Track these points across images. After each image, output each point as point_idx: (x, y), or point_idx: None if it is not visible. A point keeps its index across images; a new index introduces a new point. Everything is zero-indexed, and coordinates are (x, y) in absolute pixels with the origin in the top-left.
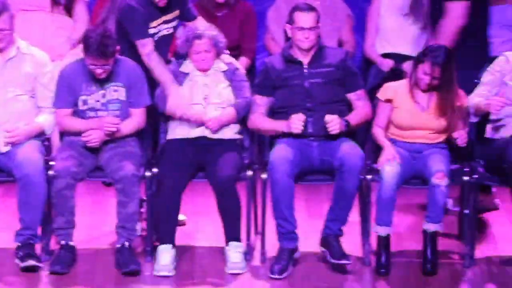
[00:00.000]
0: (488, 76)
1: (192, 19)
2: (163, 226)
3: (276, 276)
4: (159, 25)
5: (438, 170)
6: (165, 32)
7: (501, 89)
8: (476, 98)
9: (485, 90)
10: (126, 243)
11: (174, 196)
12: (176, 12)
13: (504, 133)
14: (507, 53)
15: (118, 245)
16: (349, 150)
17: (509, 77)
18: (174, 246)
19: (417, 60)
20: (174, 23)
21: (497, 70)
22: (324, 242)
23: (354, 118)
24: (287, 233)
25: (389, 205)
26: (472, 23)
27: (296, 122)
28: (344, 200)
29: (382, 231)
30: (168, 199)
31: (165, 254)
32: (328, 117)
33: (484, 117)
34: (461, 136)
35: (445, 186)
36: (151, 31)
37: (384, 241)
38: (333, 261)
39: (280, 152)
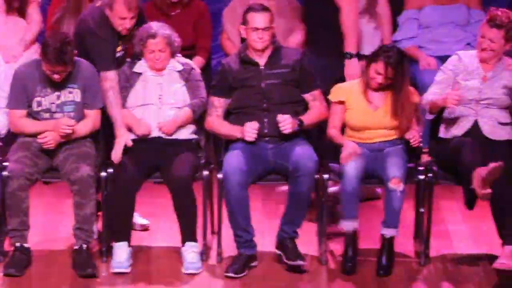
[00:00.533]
0: (441, 75)
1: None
2: (118, 224)
3: (231, 275)
4: (121, 50)
5: (394, 175)
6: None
7: (454, 88)
8: (431, 96)
9: (439, 88)
10: (84, 246)
11: (129, 194)
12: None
13: (457, 132)
14: (459, 52)
15: (76, 247)
16: (303, 153)
17: (461, 76)
18: (129, 244)
19: (370, 59)
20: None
21: (450, 69)
22: (280, 245)
23: (308, 117)
24: (245, 242)
25: (353, 199)
26: None
27: (250, 131)
28: (299, 203)
29: (349, 225)
30: (123, 198)
31: (121, 251)
32: (280, 117)
33: (438, 115)
34: (414, 137)
35: (401, 191)
36: (117, 54)
37: (351, 236)
38: (288, 262)
39: (233, 161)
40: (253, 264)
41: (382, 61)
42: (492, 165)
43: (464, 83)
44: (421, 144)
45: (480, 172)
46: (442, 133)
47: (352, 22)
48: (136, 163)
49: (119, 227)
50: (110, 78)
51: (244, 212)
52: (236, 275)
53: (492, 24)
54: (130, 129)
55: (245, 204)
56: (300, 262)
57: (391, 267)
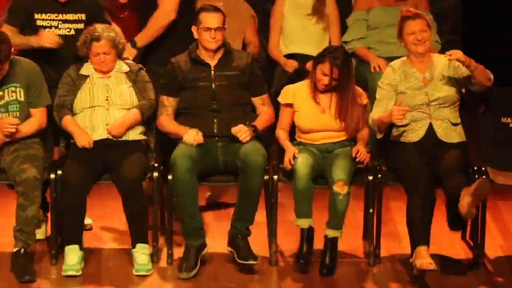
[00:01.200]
0: (380, 92)
1: None
2: (68, 227)
3: (184, 276)
4: (52, 20)
5: (339, 179)
6: (63, 32)
7: (398, 99)
8: (376, 115)
9: (381, 105)
10: (22, 249)
11: (79, 196)
12: (81, 15)
13: (413, 137)
14: (392, 63)
15: (15, 250)
16: (252, 149)
17: (402, 85)
18: (81, 247)
19: (316, 61)
20: (77, 25)
21: (387, 83)
22: (232, 242)
23: (260, 123)
24: (193, 230)
25: (306, 196)
26: None
27: (191, 134)
28: (249, 199)
29: (303, 223)
30: (73, 201)
31: (72, 254)
32: (235, 129)
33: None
34: (360, 153)
35: (345, 194)
36: (39, 23)
37: (306, 234)
38: (240, 261)
39: (182, 150)
40: (203, 252)
41: (328, 62)
42: (477, 182)
43: (408, 91)
44: (366, 160)
45: (467, 192)
46: (397, 136)
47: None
48: (85, 164)
49: (70, 230)
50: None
51: (191, 198)
52: (189, 275)
53: (413, 17)
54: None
55: (193, 191)
56: (252, 262)
57: (334, 267)
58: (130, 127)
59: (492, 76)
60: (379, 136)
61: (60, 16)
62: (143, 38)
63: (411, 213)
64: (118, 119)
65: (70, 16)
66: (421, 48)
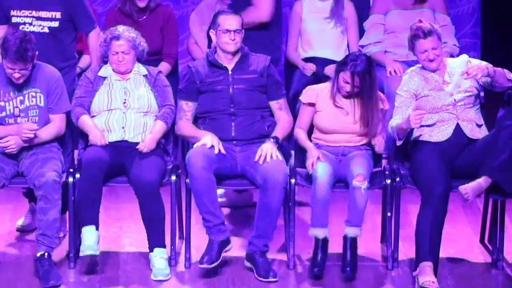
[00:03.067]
0: (399, 99)
1: (85, 31)
2: (85, 208)
3: (205, 266)
4: (26, 16)
5: (359, 173)
6: (36, 29)
7: (421, 103)
8: (395, 122)
9: (400, 113)
10: (46, 253)
11: (96, 178)
12: (56, 14)
13: (436, 138)
14: (408, 70)
15: (38, 254)
16: (273, 166)
17: (424, 88)
18: (97, 228)
19: (338, 68)
20: (51, 24)
21: (405, 90)
22: (250, 258)
23: (281, 132)
24: (215, 226)
25: (324, 206)
26: None
27: (210, 139)
28: (269, 217)
29: (319, 233)
30: (90, 182)
31: (90, 235)
32: (260, 152)
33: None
34: (379, 143)
35: (366, 189)
36: (14, 19)
37: (321, 243)
38: (259, 279)
39: (197, 149)
40: (227, 248)
41: (349, 70)
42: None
43: (431, 93)
44: (384, 152)
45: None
46: (421, 136)
47: None
48: (103, 152)
49: (87, 210)
50: None
51: (210, 194)
52: (209, 266)
53: (424, 35)
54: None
55: (211, 186)
56: (271, 279)
57: (356, 267)
58: (160, 139)
59: (511, 76)
60: (398, 143)
61: (34, 13)
62: None
63: (421, 224)
64: (148, 136)
65: (44, 14)
66: (433, 65)
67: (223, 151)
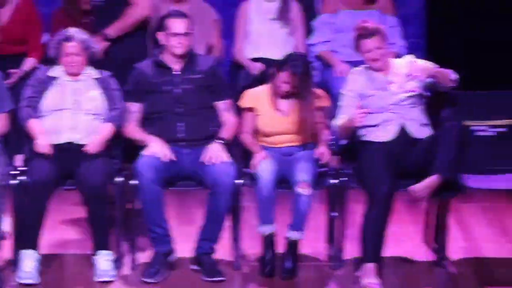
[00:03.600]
0: (344, 98)
1: None
2: (27, 230)
3: (148, 280)
4: None
5: (302, 180)
6: None
7: (367, 103)
8: (339, 121)
9: (345, 112)
10: None
11: (43, 196)
12: None
13: (381, 137)
14: (354, 70)
15: None
16: (221, 169)
17: (369, 88)
18: (38, 252)
19: (277, 68)
20: None
21: (350, 89)
22: (196, 260)
23: (227, 133)
24: (159, 237)
25: (270, 203)
26: None
27: (157, 147)
28: (216, 220)
29: (266, 229)
30: (36, 200)
31: (29, 261)
32: (204, 157)
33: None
34: (322, 155)
35: (308, 196)
36: None
37: (268, 240)
38: (206, 279)
39: (147, 158)
40: (171, 258)
41: (288, 70)
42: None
43: (376, 93)
44: (329, 161)
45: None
46: (366, 136)
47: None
48: (50, 166)
49: (28, 233)
50: None
51: (157, 206)
52: (152, 280)
53: (368, 35)
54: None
55: (158, 199)
56: (217, 278)
57: (296, 270)
58: (107, 142)
59: (455, 76)
60: (343, 142)
61: None
62: (115, 30)
63: (365, 225)
64: (95, 137)
65: None
66: (377, 65)
67: (173, 158)
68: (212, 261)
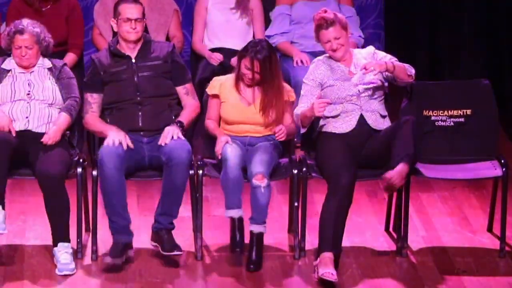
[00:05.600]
0: (305, 87)
1: None
2: None
3: (109, 261)
4: None
5: (258, 172)
6: None
7: (326, 93)
8: (300, 110)
9: (306, 101)
10: None
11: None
12: None
13: (341, 129)
14: (315, 60)
15: None
16: (176, 144)
17: (330, 78)
18: (3, 207)
19: (240, 55)
20: None
21: (311, 78)
22: (156, 236)
23: (186, 117)
24: (120, 228)
25: (237, 187)
26: None
27: (115, 136)
28: (173, 194)
29: (234, 214)
30: None
31: None
32: (163, 134)
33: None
34: (279, 132)
35: (266, 187)
36: None
37: (237, 223)
38: (165, 253)
39: (109, 147)
40: (130, 253)
41: (250, 56)
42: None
43: (336, 83)
44: (283, 138)
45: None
46: (326, 127)
47: None
48: (6, 147)
49: None
50: None
51: (119, 196)
52: (114, 259)
53: (327, 25)
54: None
55: (121, 188)
56: (177, 252)
57: (261, 262)
58: (64, 131)
59: (413, 71)
60: (302, 130)
61: None
62: None
63: (325, 214)
64: (52, 128)
65: None
66: (338, 54)
67: (131, 145)
68: (171, 237)
